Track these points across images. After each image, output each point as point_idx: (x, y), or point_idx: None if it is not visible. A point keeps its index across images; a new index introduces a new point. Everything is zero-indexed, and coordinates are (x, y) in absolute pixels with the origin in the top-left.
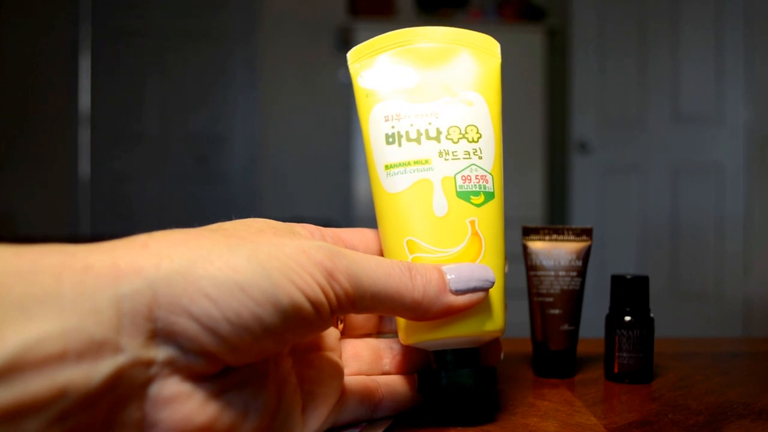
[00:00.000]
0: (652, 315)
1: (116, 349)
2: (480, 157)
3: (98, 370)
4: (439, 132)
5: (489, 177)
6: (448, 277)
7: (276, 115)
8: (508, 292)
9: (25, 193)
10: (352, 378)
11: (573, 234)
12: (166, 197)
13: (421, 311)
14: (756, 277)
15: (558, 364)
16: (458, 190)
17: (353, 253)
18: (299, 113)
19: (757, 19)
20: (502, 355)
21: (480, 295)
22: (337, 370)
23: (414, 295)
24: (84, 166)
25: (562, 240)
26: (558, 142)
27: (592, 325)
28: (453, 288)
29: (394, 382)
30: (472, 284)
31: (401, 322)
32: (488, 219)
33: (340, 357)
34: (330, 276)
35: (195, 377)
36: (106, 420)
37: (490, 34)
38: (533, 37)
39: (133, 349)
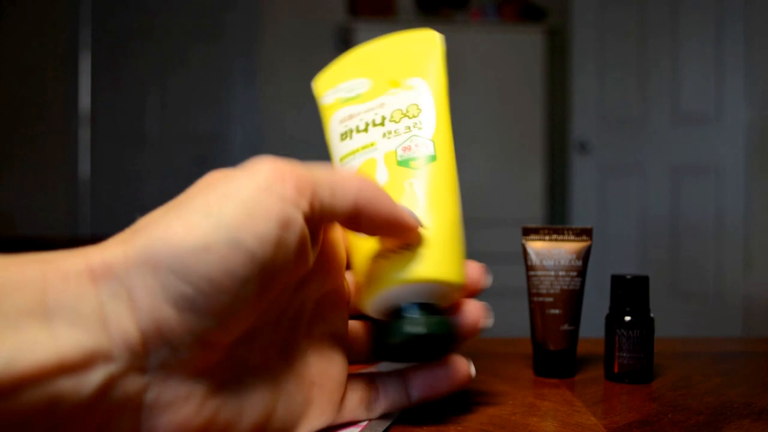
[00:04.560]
0: (652, 315)
1: (107, 357)
2: (420, 128)
3: (90, 380)
4: (383, 118)
5: (429, 143)
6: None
7: (276, 115)
8: (508, 292)
9: (25, 193)
10: (352, 376)
11: (573, 234)
12: (167, 197)
13: (373, 206)
14: (756, 277)
15: (558, 364)
16: (399, 159)
17: (298, 164)
18: (299, 113)
19: (757, 19)
20: (482, 322)
21: (416, 222)
22: (343, 363)
23: (362, 182)
24: (84, 166)
25: (562, 240)
26: (558, 142)
27: (592, 325)
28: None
29: (391, 380)
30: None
31: (360, 279)
32: (428, 178)
33: (347, 337)
34: (287, 184)
35: (194, 373)
36: (98, 429)
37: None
38: (533, 37)
39: (123, 356)
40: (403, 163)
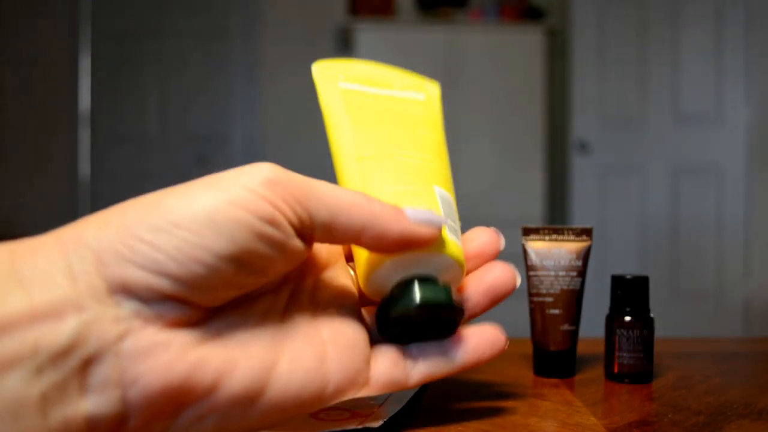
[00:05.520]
0: (652, 315)
1: (78, 307)
2: None
3: (65, 327)
4: None
5: None
6: (405, 210)
7: (276, 115)
8: None
9: (25, 193)
10: (382, 345)
11: (573, 234)
12: None
13: (378, 230)
14: (756, 278)
15: (558, 364)
16: None
17: (303, 176)
18: (299, 113)
19: (757, 19)
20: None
21: (434, 230)
22: (362, 322)
23: (372, 210)
24: (84, 166)
25: (562, 240)
26: (558, 142)
27: (592, 325)
28: (409, 215)
29: (430, 343)
30: (427, 217)
31: (361, 258)
32: None
33: (356, 301)
34: (277, 187)
35: (173, 326)
36: (82, 378)
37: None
38: (533, 37)
39: (94, 307)
40: None
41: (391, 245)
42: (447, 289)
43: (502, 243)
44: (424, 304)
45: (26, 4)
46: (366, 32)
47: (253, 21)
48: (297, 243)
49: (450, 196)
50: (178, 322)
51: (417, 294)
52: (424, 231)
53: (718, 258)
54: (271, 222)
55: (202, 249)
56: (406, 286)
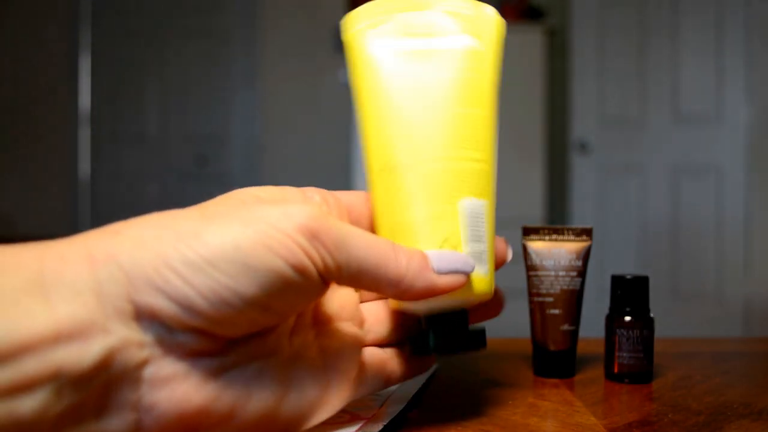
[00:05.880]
0: (652, 315)
1: (104, 330)
2: None
3: (89, 351)
4: None
5: None
6: (431, 257)
7: (276, 115)
8: (509, 292)
9: (25, 193)
10: (366, 349)
11: (573, 234)
12: (166, 197)
13: (403, 286)
14: (756, 278)
15: (558, 364)
16: None
17: (339, 221)
18: (299, 113)
19: (757, 19)
20: (502, 308)
21: (461, 278)
22: (357, 341)
23: (398, 267)
24: (84, 166)
25: (562, 240)
26: (558, 142)
27: (592, 325)
28: (435, 267)
29: (401, 351)
30: (454, 266)
31: None
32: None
33: (362, 325)
34: (313, 237)
35: (193, 355)
36: (100, 401)
37: None
38: (533, 37)
39: (120, 330)
40: None
41: (414, 297)
42: (477, 330)
43: (509, 254)
44: (453, 346)
45: (26, 4)
46: None
47: (253, 21)
48: (321, 287)
49: (482, 206)
50: (199, 351)
51: (444, 340)
52: (449, 283)
53: (718, 258)
54: (303, 271)
55: (233, 293)
56: (434, 325)
